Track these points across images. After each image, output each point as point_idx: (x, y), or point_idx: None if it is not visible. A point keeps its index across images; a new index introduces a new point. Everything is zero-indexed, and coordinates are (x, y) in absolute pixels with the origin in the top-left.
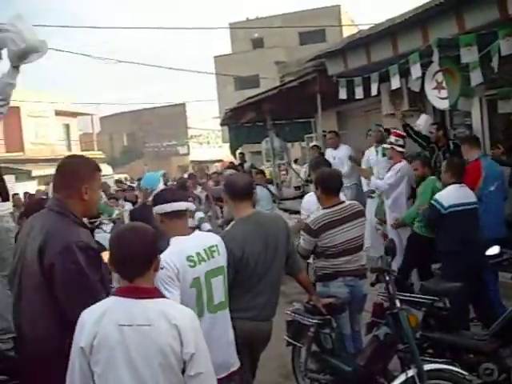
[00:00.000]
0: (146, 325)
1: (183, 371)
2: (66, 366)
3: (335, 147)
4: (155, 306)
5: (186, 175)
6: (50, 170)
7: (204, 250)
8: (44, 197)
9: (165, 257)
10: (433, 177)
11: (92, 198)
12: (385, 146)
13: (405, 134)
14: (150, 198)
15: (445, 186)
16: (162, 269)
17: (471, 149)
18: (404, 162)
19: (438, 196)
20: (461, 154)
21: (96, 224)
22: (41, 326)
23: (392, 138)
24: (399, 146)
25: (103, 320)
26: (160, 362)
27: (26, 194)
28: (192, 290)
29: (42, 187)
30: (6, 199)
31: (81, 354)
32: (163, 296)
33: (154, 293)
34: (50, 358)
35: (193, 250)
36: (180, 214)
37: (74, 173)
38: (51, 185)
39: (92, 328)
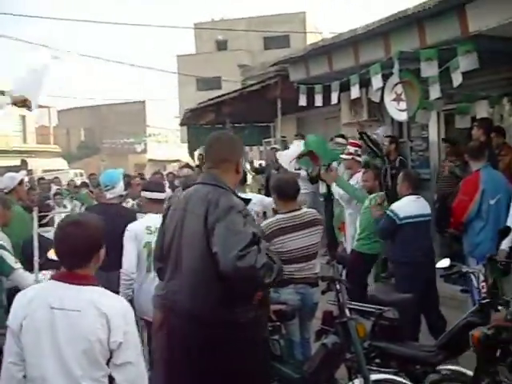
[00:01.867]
0: (76, 310)
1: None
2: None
3: None
4: (87, 293)
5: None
6: (4, 162)
7: None
8: None
9: (132, 223)
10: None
11: (241, 172)
12: (344, 156)
13: (361, 142)
14: (109, 196)
15: (400, 196)
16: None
17: (473, 160)
18: (361, 173)
19: (393, 206)
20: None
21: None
22: (203, 297)
23: (351, 149)
24: (358, 155)
25: (35, 301)
26: (84, 349)
27: None
28: (144, 249)
29: None
30: None
31: (11, 335)
32: (99, 285)
33: (90, 280)
34: (219, 328)
35: (153, 223)
36: (158, 201)
37: (231, 147)
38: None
39: (23, 309)
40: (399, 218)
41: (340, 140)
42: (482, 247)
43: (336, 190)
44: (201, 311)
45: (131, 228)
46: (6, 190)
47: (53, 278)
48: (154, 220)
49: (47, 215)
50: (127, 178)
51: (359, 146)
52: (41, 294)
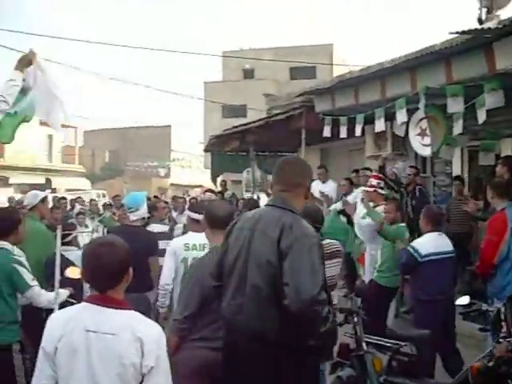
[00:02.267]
0: (111, 334)
1: None
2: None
3: (323, 181)
4: (122, 316)
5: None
6: (28, 179)
7: (199, 244)
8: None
9: (173, 240)
10: (403, 224)
11: (309, 197)
12: (366, 189)
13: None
14: (132, 218)
15: (422, 232)
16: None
17: (499, 197)
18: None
19: (415, 243)
20: (425, 201)
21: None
22: (267, 317)
23: (374, 181)
24: (380, 188)
25: (70, 324)
26: (119, 372)
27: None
28: (181, 264)
29: (19, 195)
30: None
31: (45, 357)
32: (133, 309)
33: (124, 304)
34: (281, 350)
35: (191, 241)
36: (197, 221)
37: (304, 171)
38: (32, 193)
39: (58, 331)
40: (421, 255)
41: (368, 173)
42: (509, 288)
43: (357, 227)
44: (264, 331)
45: (172, 244)
46: (28, 207)
47: (86, 300)
48: (192, 238)
49: (70, 234)
50: (154, 200)
51: (381, 179)
52: (76, 317)
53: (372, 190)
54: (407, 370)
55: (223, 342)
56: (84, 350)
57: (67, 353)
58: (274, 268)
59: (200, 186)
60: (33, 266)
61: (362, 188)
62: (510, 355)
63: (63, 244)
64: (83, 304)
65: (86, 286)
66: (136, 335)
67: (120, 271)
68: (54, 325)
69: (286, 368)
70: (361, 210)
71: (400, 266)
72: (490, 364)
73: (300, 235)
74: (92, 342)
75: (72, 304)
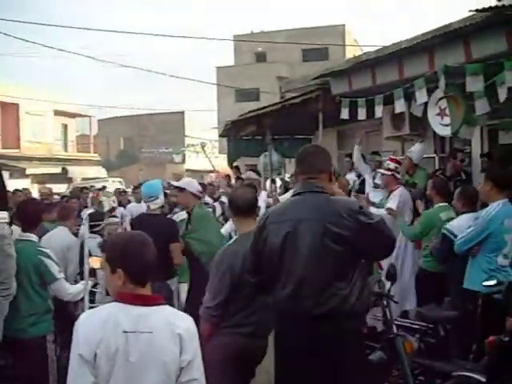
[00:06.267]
0: (149, 332)
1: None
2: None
3: (350, 169)
4: (159, 313)
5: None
6: (45, 169)
7: None
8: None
9: None
10: (443, 204)
11: (333, 181)
12: (383, 171)
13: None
14: (153, 207)
15: (457, 215)
16: None
17: None
18: (401, 188)
19: (449, 226)
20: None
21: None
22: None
23: (391, 165)
24: (397, 172)
25: (107, 327)
26: (160, 369)
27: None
28: None
29: (35, 185)
30: (4, 209)
31: (83, 362)
32: (166, 303)
33: (159, 300)
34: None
35: None
36: None
37: (327, 158)
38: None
39: (96, 336)
40: (457, 237)
41: (377, 158)
42: None
43: (373, 211)
44: (334, 307)
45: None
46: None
47: (119, 299)
48: None
49: (99, 224)
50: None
51: (399, 163)
52: (112, 319)
53: (390, 173)
54: (436, 352)
55: (281, 333)
56: (124, 352)
57: (107, 356)
58: (334, 246)
59: (215, 171)
60: None
61: (380, 171)
62: None
63: (92, 233)
64: (115, 304)
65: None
66: (175, 331)
67: (154, 266)
68: (90, 329)
69: (351, 340)
70: (374, 195)
71: (436, 254)
72: (506, 339)
73: (350, 208)
74: (131, 343)
75: (94, 293)
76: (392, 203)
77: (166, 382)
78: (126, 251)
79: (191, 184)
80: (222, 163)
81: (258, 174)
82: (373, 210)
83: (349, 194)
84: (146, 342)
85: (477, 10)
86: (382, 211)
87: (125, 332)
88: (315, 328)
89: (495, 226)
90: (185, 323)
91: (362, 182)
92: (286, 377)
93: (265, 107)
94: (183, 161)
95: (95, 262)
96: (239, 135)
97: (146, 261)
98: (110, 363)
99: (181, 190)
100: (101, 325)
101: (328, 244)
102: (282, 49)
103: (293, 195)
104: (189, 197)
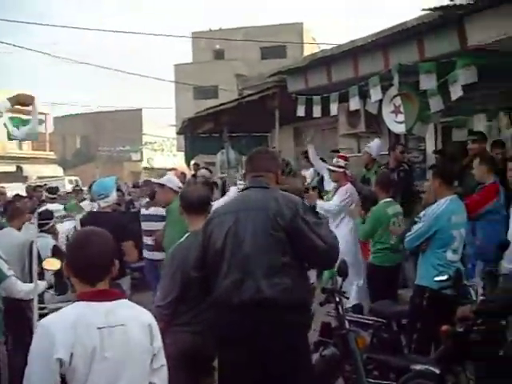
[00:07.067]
0: (121, 325)
1: None
2: None
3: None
4: (123, 306)
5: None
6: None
7: None
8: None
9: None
10: (388, 199)
11: (280, 183)
12: (334, 169)
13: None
14: (103, 205)
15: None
16: None
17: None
18: (349, 184)
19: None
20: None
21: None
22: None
23: (341, 162)
24: (346, 169)
25: (79, 326)
26: (137, 361)
27: None
28: None
29: None
30: None
31: (55, 366)
32: (125, 297)
33: (119, 294)
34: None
35: None
36: None
37: (275, 160)
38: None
39: (68, 336)
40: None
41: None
42: None
43: (321, 205)
44: (275, 296)
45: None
46: None
47: (80, 298)
48: None
49: (48, 223)
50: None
51: (347, 160)
52: (82, 319)
53: (341, 170)
54: (389, 347)
55: (220, 323)
56: (101, 349)
57: (85, 357)
58: (277, 235)
59: (173, 169)
60: None
61: (330, 167)
62: (472, 316)
63: (42, 232)
64: (80, 303)
65: None
66: (144, 322)
67: (111, 262)
68: (59, 330)
69: (298, 328)
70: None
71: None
72: (459, 329)
73: (297, 203)
74: (106, 339)
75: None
76: (337, 198)
77: (143, 373)
78: (70, 247)
79: (171, 180)
80: (180, 161)
81: (210, 171)
82: (321, 202)
83: (306, 190)
84: (120, 335)
85: (430, 9)
86: (330, 203)
87: (99, 328)
88: (254, 317)
89: (442, 222)
90: (148, 314)
91: (322, 180)
92: (227, 366)
93: (222, 104)
94: (141, 159)
95: (51, 264)
96: (196, 132)
97: (89, 254)
98: (88, 364)
99: (161, 186)
100: (71, 326)
101: (270, 232)
102: (240, 46)
103: (239, 191)
104: (168, 192)
